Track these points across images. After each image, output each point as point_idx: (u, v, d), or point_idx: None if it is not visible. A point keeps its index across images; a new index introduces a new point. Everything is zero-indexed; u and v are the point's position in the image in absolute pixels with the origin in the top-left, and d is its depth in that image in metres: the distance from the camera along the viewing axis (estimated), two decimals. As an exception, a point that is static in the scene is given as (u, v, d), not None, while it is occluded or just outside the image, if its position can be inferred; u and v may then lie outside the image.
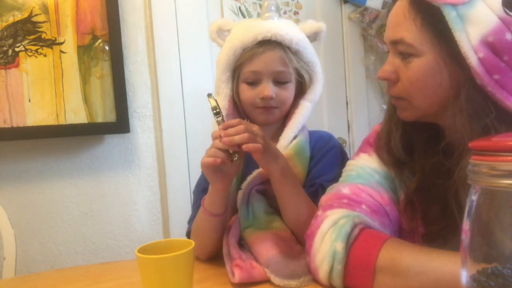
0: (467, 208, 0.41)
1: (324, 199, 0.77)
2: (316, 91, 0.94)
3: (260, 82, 0.88)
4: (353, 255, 0.64)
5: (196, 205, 0.93)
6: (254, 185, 0.87)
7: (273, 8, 0.92)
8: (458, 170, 0.63)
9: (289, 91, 0.91)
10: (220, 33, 0.94)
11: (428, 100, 0.68)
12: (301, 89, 0.95)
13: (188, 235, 0.93)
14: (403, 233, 0.75)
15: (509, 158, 0.37)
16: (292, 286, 0.70)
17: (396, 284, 0.60)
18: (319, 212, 0.73)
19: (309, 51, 0.92)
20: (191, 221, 0.93)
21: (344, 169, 0.83)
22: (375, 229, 0.68)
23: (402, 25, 0.67)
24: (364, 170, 0.78)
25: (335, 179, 0.85)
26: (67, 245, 1.42)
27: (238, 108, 0.94)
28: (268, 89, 0.87)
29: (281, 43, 0.87)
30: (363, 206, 0.72)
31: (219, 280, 0.78)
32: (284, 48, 0.88)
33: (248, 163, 0.91)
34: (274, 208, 0.87)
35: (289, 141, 0.90)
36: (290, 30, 0.88)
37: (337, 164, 0.91)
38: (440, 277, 0.56)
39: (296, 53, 0.89)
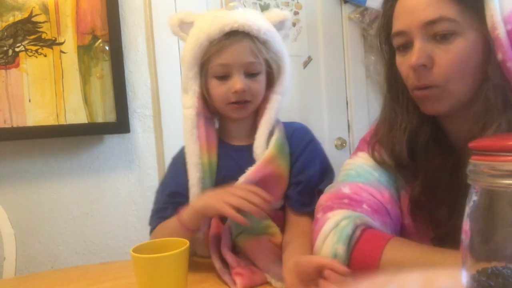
0: (467, 208, 0.41)
1: (323, 198, 0.75)
2: (284, 83, 0.90)
3: (231, 75, 0.84)
4: (355, 257, 0.64)
5: (160, 207, 0.90)
6: None
7: None
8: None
9: (261, 83, 0.88)
10: (183, 26, 0.90)
11: (465, 82, 0.65)
12: (270, 82, 0.91)
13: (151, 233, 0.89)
14: (410, 236, 0.74)
15: (509, 158, 0.37)
16: None
17: None
18: (319, 215, 0.72)
19: (277, 41, 0.88)
20: (154, 221, 0.89)
21: (342, 169, 0.82)
22: (377, 229, 0.67)
23: (437, 2, 0.64)
24: (363, 168, 0.77)
25: (318, 172, 0.84)
26: (67, 245, 1.42)
27: (208, 104, 0.90)
28: (239, 82, 0.83)
29: (249, 34, 0.84)
30: (364, 206, 0.71)
31: (219, 280, 0.78)
32: (253, 39, 0.84)
33: (227, 166, 0.89)
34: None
35: (265, 138, 0.87)
36: (257, 20, 0.85)
37: (318, 157, 0.89)
38: None
39: (264, 43, 0.86)
